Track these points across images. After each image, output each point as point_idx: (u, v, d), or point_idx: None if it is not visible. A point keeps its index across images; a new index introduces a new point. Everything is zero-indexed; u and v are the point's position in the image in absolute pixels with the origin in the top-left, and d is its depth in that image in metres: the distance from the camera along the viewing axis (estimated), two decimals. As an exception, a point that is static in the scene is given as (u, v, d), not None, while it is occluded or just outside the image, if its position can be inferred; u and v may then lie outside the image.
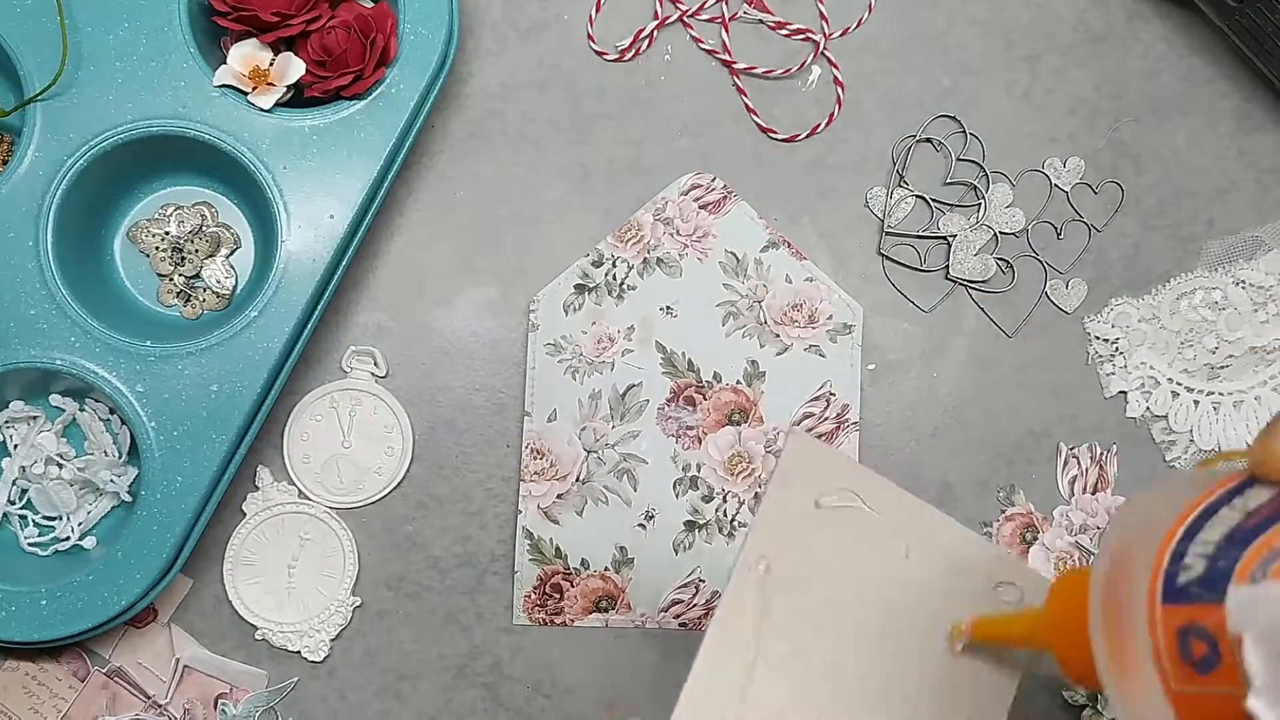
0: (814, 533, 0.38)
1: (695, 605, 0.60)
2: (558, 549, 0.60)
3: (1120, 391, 0.62)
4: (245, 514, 0.60)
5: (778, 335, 0.61)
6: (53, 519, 0.58)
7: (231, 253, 0.60)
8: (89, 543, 0.57)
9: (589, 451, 0.60)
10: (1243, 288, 0.63)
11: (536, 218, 0.62)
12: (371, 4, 0.58)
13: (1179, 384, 0.62)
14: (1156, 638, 0.26)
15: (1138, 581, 0.27)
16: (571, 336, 0.61)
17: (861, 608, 0.38)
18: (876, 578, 0.38)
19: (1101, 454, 0.62)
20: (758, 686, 0.35)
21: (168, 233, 0.59)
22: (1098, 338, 0.62)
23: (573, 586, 0.60)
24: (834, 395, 0.61)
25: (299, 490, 0.60)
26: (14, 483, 0.57)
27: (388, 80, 0.56)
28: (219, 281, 0.60)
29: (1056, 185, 0.63)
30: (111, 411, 0.58)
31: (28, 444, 0.57)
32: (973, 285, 0.63)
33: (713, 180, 0.62)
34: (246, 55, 0.56)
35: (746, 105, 0.63)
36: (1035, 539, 0.61)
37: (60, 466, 0.57)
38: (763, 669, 0.36)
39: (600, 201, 0.62)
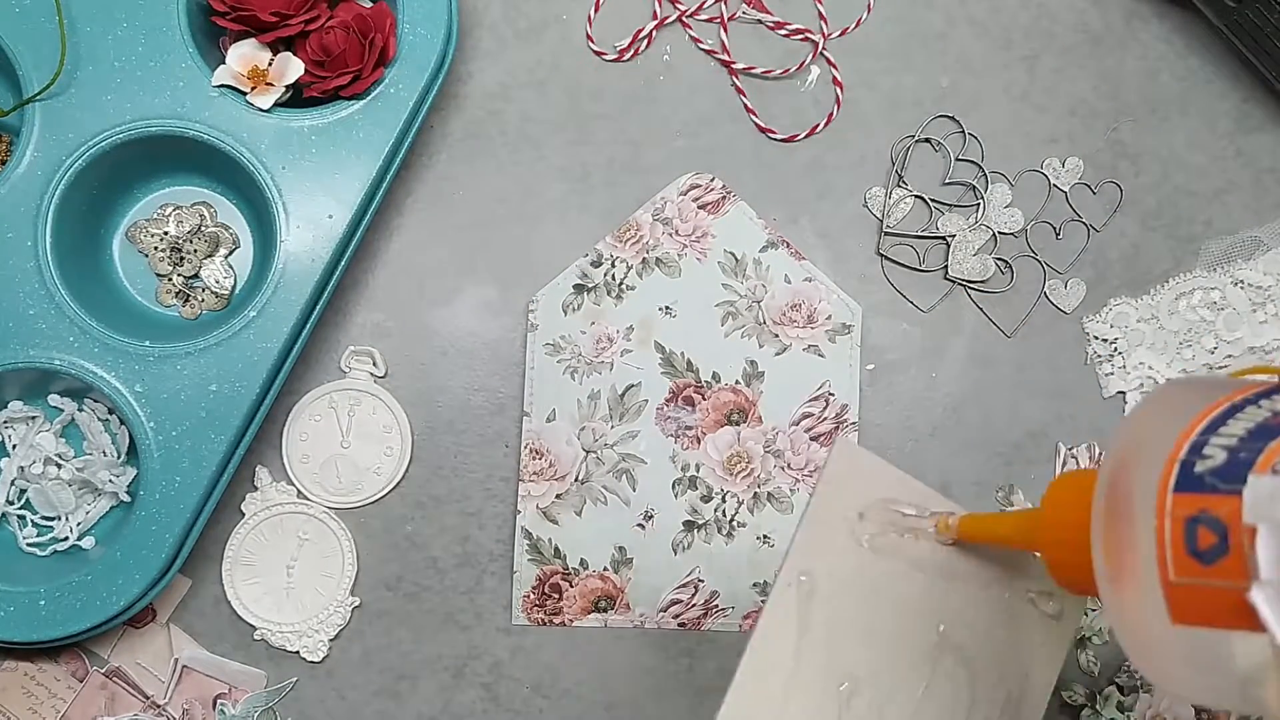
0: (855, 547, 0.37)
1: (694, 605, 0.60)
2: (556, 549, 0.60)
3: (1119, 391, 0.62)
4: (244, 514, 0.60)
5: (777, 335, 0.61)
6: (51, 519, 0.58)
7: (230, 253, 0.60)
8: (88, 543, 0.57)
9: (588, 451, 0.60)
10: (1241, 288, 0.63)
11: (536, 218, 0.62)
12: (370, 4, 0.58)
13: (1178, 384, 0.62)
14: (1163, 526, 0.25)
15: (1148, 472, 0.26)
16: (570, 336, 0.61)
17: (898, 620, 0.37)
18: (913, 589, 0.38)
19: (1100, 454, 0.62)
20: (794, 705, 0.35)
21: (166, 233, 0.59)
22: (1096, 338, 0.63)
23: (571, 587, 0.60)
24: (833, 395, 0.61)
25: (298, 490, 0.60)
26: (13, 483, 0.57)
27: (386, 80, 0.56)
28: (218, 281, 0.60)
29: (1055, 185, 0.63)
30: (110, 411, 0.58)
31: (26, 444, 0.57)
32: (971, 285, 0.63)
33: (712, 180, 0.62)
34: (245, 55, 0.56)
35: (745, 105, 0.63)
36: (1034, 539, 0.61)
37: (59, 466, 0.57)
38: (800, 686, 0.35)
39: (599, 201, 0.62)
